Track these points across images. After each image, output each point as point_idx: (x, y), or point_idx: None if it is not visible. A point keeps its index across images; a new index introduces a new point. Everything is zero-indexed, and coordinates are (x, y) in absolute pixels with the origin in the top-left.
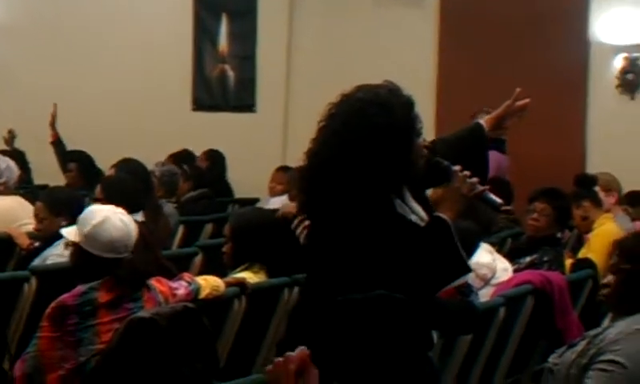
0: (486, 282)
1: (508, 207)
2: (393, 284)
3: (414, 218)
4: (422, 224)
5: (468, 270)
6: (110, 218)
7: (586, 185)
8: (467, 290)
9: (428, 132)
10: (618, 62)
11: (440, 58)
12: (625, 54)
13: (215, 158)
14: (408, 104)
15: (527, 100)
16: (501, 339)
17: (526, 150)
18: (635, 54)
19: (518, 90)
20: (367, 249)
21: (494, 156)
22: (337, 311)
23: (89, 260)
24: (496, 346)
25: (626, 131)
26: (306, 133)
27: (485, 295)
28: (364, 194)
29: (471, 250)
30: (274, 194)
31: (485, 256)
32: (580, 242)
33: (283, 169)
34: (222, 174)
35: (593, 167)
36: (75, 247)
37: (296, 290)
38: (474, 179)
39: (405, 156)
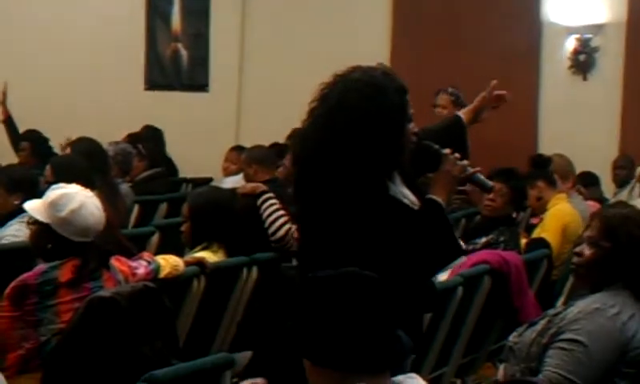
0: None
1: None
2: (387, 266)
3: (406, 201)
4: (415, 207)
5: (462, 252)
6: (86, 205)
7: (540, 165)
8: None
9: None
10: (571, 43)
11: (393, 40)
12: (577, 35)
13: (153, 135)
14: (401, 88)
15: (504, 92)
16: (458, 318)
17: (479, 131)
18: (587, 35)
19: (493, 82)
20: (361, 230)
21: None
22: (307, 287)
23: (57, 242)
24: (454, 324)
25: (578, 112)
26: (259, 112)
27: (441, 275)
28: (358, 176)
29: None
30: (227, 173)
31: None
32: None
33: (237, 148)
34: (161, 151)
35: (545, 148)
36: (41, 227)
37: (255, 269)
38: (465, 162)
39: (396, 139)
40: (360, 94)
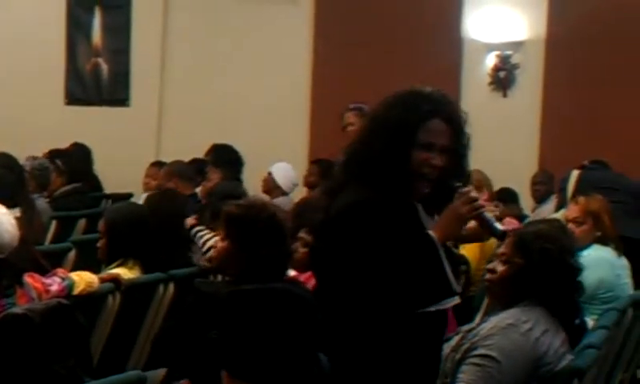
0: None
1: (505, 232)
2: (386, 292)
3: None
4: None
5: (453, 293)
6: (2, 222)
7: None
8: None
9: (302, 128)
10: (491, 60)
11: (315, 55)
12: (497, 52)
13: (81, 152)
14: (406, 104)
15: None
16: None
17: None
18: (507, 52)
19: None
20: (380, 253)
21: None
22: (230, 301)
23: None
24: None
25: (498, 128)
26: (180, 127)
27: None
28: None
29: None
30: (148, 189)
31: None
32: None
33: (157, 164)
34: (89, 168)
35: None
36: None
37: (171, 285)
38: (479, 202)
39: (395, 155)
40: (373, 110)
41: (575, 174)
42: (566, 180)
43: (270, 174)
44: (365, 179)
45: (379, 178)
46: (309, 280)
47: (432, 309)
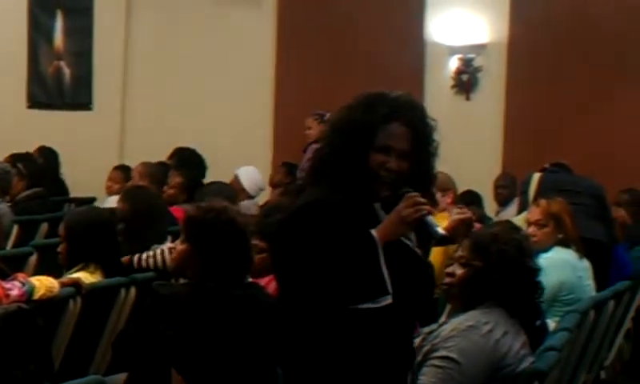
0: None
1: (446, 237)
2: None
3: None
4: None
5: (386, 291)
6: None
7: None
8: None
9: (265, 131)
10: (453, 63)
11: (278, 58)
12: (460, 55)
13: (48, 156)
14: (365, 106)
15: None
16: None
17: None
18: (470, 55)
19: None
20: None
21: (314, 148)
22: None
23: None
24: None
25: (461, 131)
26: (143, 131)
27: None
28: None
29: None
30: (110, 192)
31: None
32: None
33: (120, 168)
34: (55, 172)
35: None
36: None
37: (133, 289)
38: (423, 207)
39: (351, 155)
40: (343, 107)
41: (536, 176)
42: (527, 183)
43: (236, 176)
44: (325, 180)
45: (338, 179)
46: (268, 285)
47: (364, 306)
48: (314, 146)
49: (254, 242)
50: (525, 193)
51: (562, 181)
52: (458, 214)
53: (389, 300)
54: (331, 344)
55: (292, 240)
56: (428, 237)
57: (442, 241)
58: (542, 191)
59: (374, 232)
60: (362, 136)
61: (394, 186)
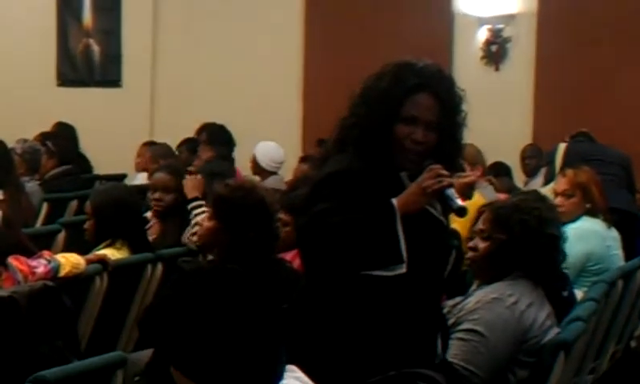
0: None
1: (463, 208)
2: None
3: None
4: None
5: (400, 259)
6: None
7: None
8: None
9: (294, 107)
10: (482, 34)
11: (306, 35)
12: (489, 26)
13: (65, 132)
14: (408, 83)
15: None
16: None
17: None
18: (499, 26)
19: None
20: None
21: None
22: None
23: None
24: None
25: (491, 102)
26: (172, 108)
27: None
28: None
29: None
30: (139, 169)
31: None
32: None
33: (149, 144)
34: (75, 148)
35: None
36: None
37: (160, 266)
38: (440, 178)
39: (376, 126)
40: (367, 79)
41: (562, 146)
42: (552, 153)
43: (253, 155)
44: (349, 149)
45: (362, 148)
46: (294, 259)
47: (376, 273)
48: None
49: (280, 215)
50: (551, 163)
51: (589, 151)
52: (461, 177)
53: (402, 269)
54: (348, 310)
55: (313, 210)
56: (448, 208)
57: (459, 212)
58: (569, 161)
59: (394, 201)
60: (388, 106)
61: (420, 158)
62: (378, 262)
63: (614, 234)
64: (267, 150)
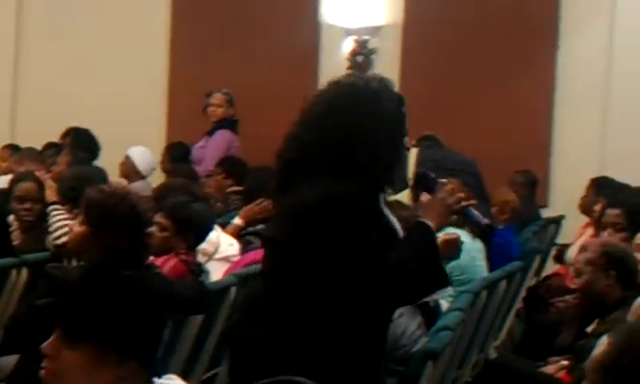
0: (210, 256)
1: (491, 225)
2: (362, 287)
3: (392, 219)
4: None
5: (447, 282)
6: None
7: None
8: (198, 270)
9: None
10: (348, 45)
11: (172, 41)
12: (355, 37)
13: None
14: (398, 98)
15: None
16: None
17: (257, 131)
18: (365, 37)
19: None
20: (345, 245)
21: (224, 135)
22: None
23: None
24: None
25: None
26: (35, 110)
27: (214, 270)
28: (346, 184)
29: (206, 231)
30: (1, 173)
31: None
32: None
33: (9, 147)
34: None
35: None
36: None
37: (24, 271)
38: (460, 194)
39: (390, 150)
40: (352, 99)
41: (414, 152)
42: None
43: (127, 158)
44: (337, 171)
45: (366, 171)
46: (164, 264)
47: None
48: (223, 131)
49: (159, 219)
50: None
51: (440, 157)
52: None
53: (450, 290)
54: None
55: (325, 233)
56: (475, 225)
57: (488, 228)
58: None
59: (427, 221)
60: (400, 125)
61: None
62: (434, 288)
63: (479, 245)
64: (146, 155)
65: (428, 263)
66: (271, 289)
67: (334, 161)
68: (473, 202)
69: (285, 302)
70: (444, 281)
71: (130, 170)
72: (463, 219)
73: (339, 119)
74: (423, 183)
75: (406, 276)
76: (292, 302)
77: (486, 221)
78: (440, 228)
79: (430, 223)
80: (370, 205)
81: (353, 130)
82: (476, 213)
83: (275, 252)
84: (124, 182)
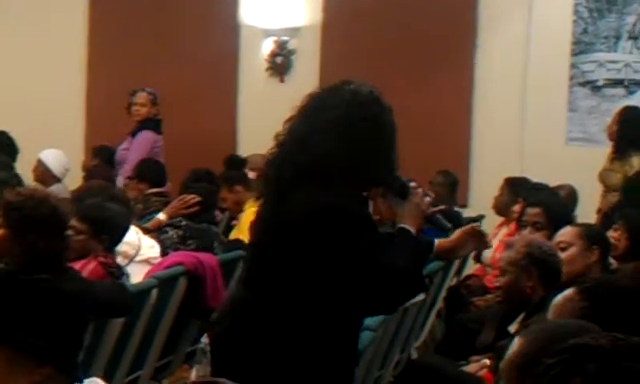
0: (130, 258)
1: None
2: (350, 288)
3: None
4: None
5: (424, 288)
6: None
7: (235, 166)
8: (118, 272)
9: (77, 114)
10: (268, 46)
11: (90, 39)
12: (274, 38)
13: None
14: (390, 107)
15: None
16: (153, 321)
17: (179, 131)
18: (284, 38)
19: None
20: (334, 248)
21: (147, 136)
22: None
23: None
24: (148, 327)
25: (276, 112)
26: None
27: (136, 273)
28: (339, 185)
29: (122, 231)
30: None
31: (129, 235)
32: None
33: None
34: None
35: (244, 148)
36: None
37: None
38: (428, 198)
39: (389, 157)
40: (366, 109)
41: None
42: None
43: (40, 162)
44: (360, 180)
45: (367, 180)
46: (83, 268)
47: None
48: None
49: (74, 223)
50: None
51: None
52: None
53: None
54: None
55: (324, 242)
56: (440, 229)
57: (449, 232)
58: None
59: (409, 228)
60: (395, 132)
61: None
62: (416, 293)
63: None
64: (58, 157)
65: (414, 269)
66: (259, 294)
67: (348, 171)
68: (442, 208)
69: (273, 307)
70: (423, 286)
71: (44, 174)
72: (428, 224)
73: (361, 131)
74: (397, 188)
75: (396, 282)
76: (281, 307)
77: (449, 226)
78: (418, 232)
79: (411, 228)
80: (367, 215)
81: (375, 142)
82: (441, 218)
83: (266, 258)
84: (40, 186)
